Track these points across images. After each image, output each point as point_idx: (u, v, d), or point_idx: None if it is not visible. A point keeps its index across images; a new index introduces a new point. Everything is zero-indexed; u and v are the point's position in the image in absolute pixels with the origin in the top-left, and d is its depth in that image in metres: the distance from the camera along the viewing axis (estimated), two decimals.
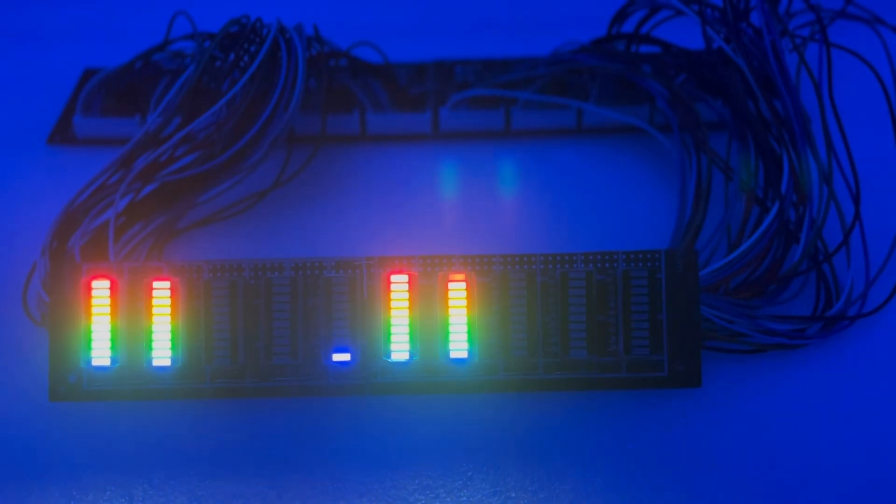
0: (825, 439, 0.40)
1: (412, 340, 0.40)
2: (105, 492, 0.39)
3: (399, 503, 0.38)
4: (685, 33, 0.52)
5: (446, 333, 0.40)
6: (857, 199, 0.44)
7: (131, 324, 0.40)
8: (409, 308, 0.40)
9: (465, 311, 0.40)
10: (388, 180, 0.52)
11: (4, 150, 0.54)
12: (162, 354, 0.40)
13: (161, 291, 0.40)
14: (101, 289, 0.40)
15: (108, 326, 0.40)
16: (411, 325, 0.40)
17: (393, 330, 0.39)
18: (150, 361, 0.40)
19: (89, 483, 0.39)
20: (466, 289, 0.40)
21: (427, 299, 0.40)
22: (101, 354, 0.40)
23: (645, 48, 0.54)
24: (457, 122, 0.54)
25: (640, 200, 0.50)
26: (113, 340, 0.40)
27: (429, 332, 0.40)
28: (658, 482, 0.39)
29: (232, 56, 0.48)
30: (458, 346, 0.39)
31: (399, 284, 0.40)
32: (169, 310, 0.40)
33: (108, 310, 0.40)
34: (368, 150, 0.54)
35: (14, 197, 0.51)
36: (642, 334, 0.40)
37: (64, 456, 0.40)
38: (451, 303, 0.40)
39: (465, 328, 0.39)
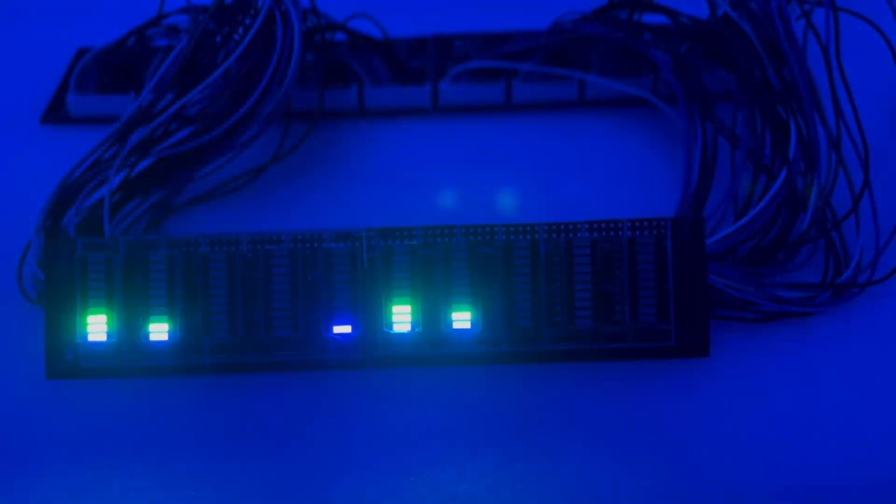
0: (834, 407, 0.39)
1: (414, 312, 0.39)
2: (103, 469, 0.38)
3: (403, 476, 0.37)
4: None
5: (449, 304, 0.39)
6: (865, 166, 0.43)
7: (128, 299, 0.39)
8: (410, 279, 0.39)
9: (467, 281, 0.39)
10: (388, 156, 0.51)
11: None
12: (159, 329, 0.39)
13: (157, 265, 0.39)
14: (96, 263, 0.39)
15: (105, 302, 0.39)
16: (413, 297, 0.39)
17: (394, 301, 0.39)
18: (147, 336, 0.39)
19: (88, 460, 0.38)
20: (469, 259, 0.39)
21: (429, 270, 0.39)
22: (97, 331, 0.39)
23: (648, 16, 0.53)
24: (457, 96, 0.53)
25: (644, 172, 0.50)
26: (109, 316, 0.39)
27: (431, 303, 0.39)
28: (665, 452, 0.38)
29: (226, 29, 0.47)
30: (461, 317, 0.39)
31: (400, 255, 0.39)
32: (166, 284, 0.39)
33: (103, 285, 0.39)
34: (367, 125, 0.53)
35: (8, 177, 0.50)
36: (649, 303, 0.39)
37: (62, 434, 0.39)
38: (453, 273, 0.39)
39: (467, 299, 0.39)
